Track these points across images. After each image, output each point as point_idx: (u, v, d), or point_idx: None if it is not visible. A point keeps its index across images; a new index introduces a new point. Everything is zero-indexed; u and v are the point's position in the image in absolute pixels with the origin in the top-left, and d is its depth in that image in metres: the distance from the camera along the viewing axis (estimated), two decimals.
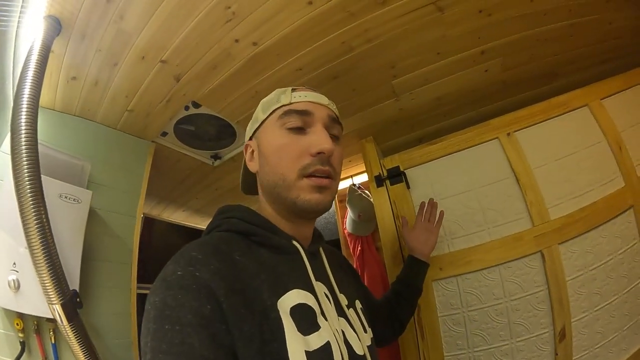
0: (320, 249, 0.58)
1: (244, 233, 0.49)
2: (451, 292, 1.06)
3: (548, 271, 1.06)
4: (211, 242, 0.45)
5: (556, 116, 1.23)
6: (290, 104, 0.53)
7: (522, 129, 1.16)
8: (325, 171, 0.50)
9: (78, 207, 0.90)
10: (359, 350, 0.49)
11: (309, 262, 0.50)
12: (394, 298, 0.81)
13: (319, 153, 0.50)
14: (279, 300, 0.42)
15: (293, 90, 0.55)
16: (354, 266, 1.35)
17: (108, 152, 1.14)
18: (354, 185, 1.53)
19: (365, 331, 0.55)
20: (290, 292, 0.44)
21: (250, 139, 0.58)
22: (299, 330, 0.41)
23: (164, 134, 1.21)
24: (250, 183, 0.63)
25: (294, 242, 0.51)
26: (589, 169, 1.19)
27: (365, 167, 1.22)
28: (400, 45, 1.00)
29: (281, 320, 0.40)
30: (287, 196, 0.50)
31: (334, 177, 0.53)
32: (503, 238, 1.04)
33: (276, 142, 0.52)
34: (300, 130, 0.51)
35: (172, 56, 0.94)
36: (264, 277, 0.43)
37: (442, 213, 0.97)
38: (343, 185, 1.66)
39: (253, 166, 0.57)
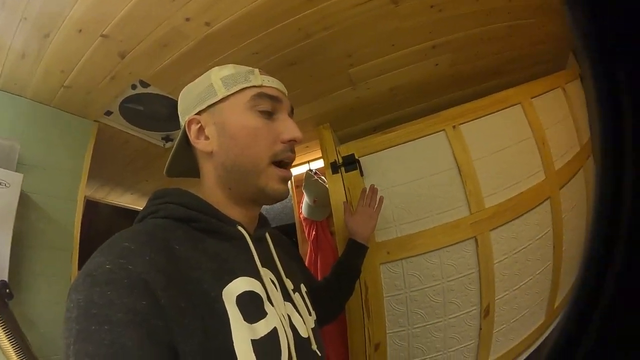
0: (267, 234, 0.57)
1: (183, 220, 0.46)
2: (396, 275, 1.15)
3: (480, 255, 1.19)
4: (146, 230, 0.42)
5: (496, 111, 1.34)
6: (262, 86, 0.51)
7: (466, 122, 1.26)
8: (293, 158, 0.53)
9: (6, 191, 0.82)
10: (303, 333, 0.50)
11: (254, 247, 0.49)
12: (335, 280, 0.83)
13: (290, 141, 0.51)
14: (224, 290, 0.41)
15: (260, 72, 0.53)
16: (309, 250, 1.40)
17: (42, 131, 1.04)
18: (310, 170, 1.57)
19: (310, 314, 0.56)
20: (236, 280, 0.43)
21: (199, 113, 0.52)
22: (245, 319, 0.41)
23: (108, 113, 1.13)
24: (184, 164, 0.57)
25: (239, 228, 0.50)
26: (519, 162, 1.33)
27: (322, 154, 1.25)
28: (357, 35, 1.01)
29: (226, 311, 0.39)
30: (255, 182, 0.50)
31: None
32: (444, 224, 1.15)
33: (249, 123, 0.50)
34: (269, 115, 0.51)
35: (114, 31, 0.87)
36: (206, 266, 0.42)
37: (381, 199, 1.02)
38: (300, 170, 1.71)
39: (206, 145, 0.51)
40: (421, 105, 1.35)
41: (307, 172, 1.53)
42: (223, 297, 0.40)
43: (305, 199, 1.56)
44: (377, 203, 1.01)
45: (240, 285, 0.43)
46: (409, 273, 1.15)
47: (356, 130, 1.38)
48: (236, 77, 0.51)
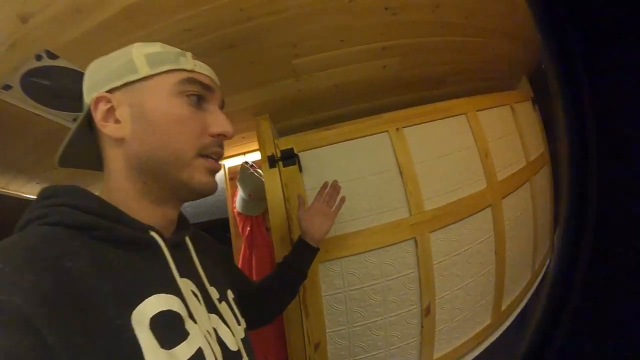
0: (186, 237, 0.50)
1: (80, 227, 0.36)
2: (335, 273, 1.12)
3: (419, 255, 1.20)
4: (27, 243, 0.32)
5: (440, 119, 1.38)
6: (193, 71, 0.46)
7: (410, 126, 1.28)
8: (221, 154, 0.48)
9: None
10: (232, 346, 0.46)
11: (171, 256, 0.42)
12: (277, 282, 0.78)
13: (219, 135, 0.47)
14: (134, 313, 0.34)
15: (193, 57, 0.47)
16: (243, 247, 1.32)
17: None
18: (246, 163, 1.50)
19: (239, 323, 0.51)
20: (149, 299, 0.36)
21: (111, 91, 0.44)
22: (162, 345, 0.34)
23: (7, 87, 0.96)
24: (83, 152, 0.48)
25: (152, 233, 0.42)
26: (460, 169, 1.38)
27: (259, 146, 1.19)
28: (305, 25, 0.97)
29: (136, 340, 0.33)
30: (177, 175, 0.43)
31: None
32: (384, 224, 1.14)
33: (174, 110, 0.43)
34: (198, 105, 0.46)
35: None
36: (110, 287, 0.34)
37: (343, 199, 0.95)
38: (235, 162, 1.64)
39: (116, 130, 0.43)
40: (365, 105, 1.34)
41: (242, 165, 1.46)
42: (132, 323, 0.33)
43: (240, 193, 1.49)
44: (337, 202, 0.94)
45: (153, 304, 0.36)
46: (348, 272, 1.12)
47: (296, 124, 1.33)
48: (164, 56, 0.45)
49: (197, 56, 0.49)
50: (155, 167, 0.43)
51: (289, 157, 1.14)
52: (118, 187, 0.44)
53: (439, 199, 1.27)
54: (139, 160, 0.43)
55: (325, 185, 0.96)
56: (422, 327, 1.26)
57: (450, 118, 1.41)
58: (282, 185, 1.12)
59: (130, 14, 0.84)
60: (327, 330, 1.14)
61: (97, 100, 0.44)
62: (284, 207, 1.11)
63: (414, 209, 1.19)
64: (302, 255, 0.82)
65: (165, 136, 0.43)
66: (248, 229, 1.38)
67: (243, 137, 1.44)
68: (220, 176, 1.54)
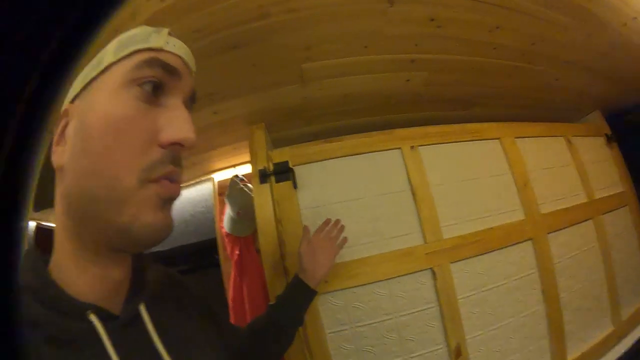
0: (142, 307, 0.36)
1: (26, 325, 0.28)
2: (337, 307, 1.02)
3: (439, 289, 1.07)
4: None
5: (466, 141, 1.27)
6: (160, 50, 0.33)
7: (427, 144, 1.18)
8: (176, 173, 0.33)
9: None
10: None
11: (120, 343, 0.31)
12: (271, 329, 0.67)
13: (173, 144, 0.32)
14: None
15: (170, 34, 0.35)
16: (232, 273, 1.26)
17: None
18: (236, 177, 1.34)
19: None
20: None
21: (73, 100, 0.34)
22: None
23: None
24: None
25: (91, 317, 0.30)
26: (489, 196, 1.24)
27: (250, 158, 1.08)
28: (326, 26, 0.87)
29: None
30: (114, 219, 0.30)
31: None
32: (393, 252, 1.04)
33: (114, 111, 0.31)
34: (154, 96, 0.32)
35: None
36: None
37: (345, 239, 0.87)
38: (225, 176, 1.45)
39: (58, 156, 0.32)
40: (376, 118, 1.26)
41: (232, 179, 1.31)
42: None
43: (228, 211, 1.34)
44: (339, 240, 0.85)
45: None
46: (352, 305, 1.03)
47: (294, 136, 1.22)
48: (136, 37, 0.33)
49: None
50: (85, 209, 0.31)
51: (283, 172, 1.03)
52: (58, 243, 0.33)
53: (461, 227, 1.13)
54: (69, 200, 0.32)
55: (327, 222, 0.87)
56: None
57: (479, 141, 1.30)
58: (273, 204, 1.01)
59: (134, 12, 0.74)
60: None
61: (60, 117, 0.33)
62: (275, 230, 0.99)
63: (430, 235, 1.08)
64: (299, 298, 0.71)
65: (96, 157, 0.30)
66: (237, 252, 1.24)
67: (234, 148, 1.29)
68: (208, 191, 1.40)
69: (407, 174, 1.12)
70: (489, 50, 1.04)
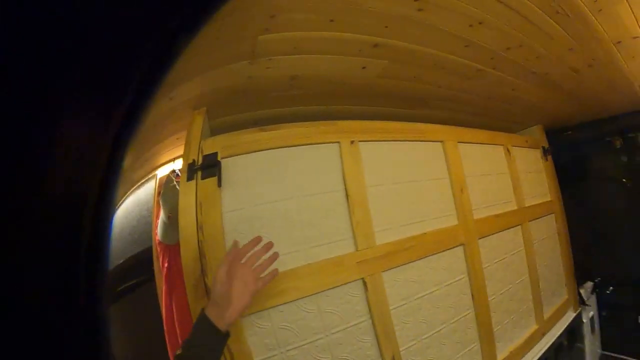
0: None
1: None
2: (264, 330, 0.89)
3: (371, 300, 1.01)
4: None
5: (410, 140, 1.24)
6: None
7: (368, 141, 1.11)
8: None
9: None
10: None
11: None
12: None
13: None
14: None
15: None
16: (163, 288, 1.09)
17: None
18: (173, 172, 1.16)
19: None
20: None
21: None
22: None
23: None
24: None
25: None
26: (425, 200, 1.22)
27: (184, 150, 0.92)
28: None
29: None
30: None
31: None
32: (322, 262, 0.94)
33: None
34: None
35: None
36: None
37: (274, 272, 0.74)
38: (165, 172, 1.24)
39: None
40: (322, 107, 1.17)
41: (168, 175, 1.15)
42: None
43: (161, 214, 1.17)
44: (266, 272, 0.72)
45: None
46: (280, 326, 0.92)
47: (237, 122, 1.06)
48: None
49: None
50: None
51: (209, 166, 0.88)
52: None
53: (394, 232, 1.09)
54: None
55: (255, 241, 0.74)
56: None
57: (421, 142, 1.27)
58: (196, 206, 0.84)
59: None
60: None
61: None
62: (197, 238, 0.84)
63: (362, 242, 1.01)
64: (207, 343, 0.60)
65: None
66: (166, 264, 1.04)
67: (177, 139, 1.10)
68: (150, 191, 1.26)
69: (343, 172, 1.04)
70: (460, 47, 0.99)
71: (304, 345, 0.93)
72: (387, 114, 1.30)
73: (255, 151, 0.96)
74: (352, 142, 1.08)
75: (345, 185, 1.03)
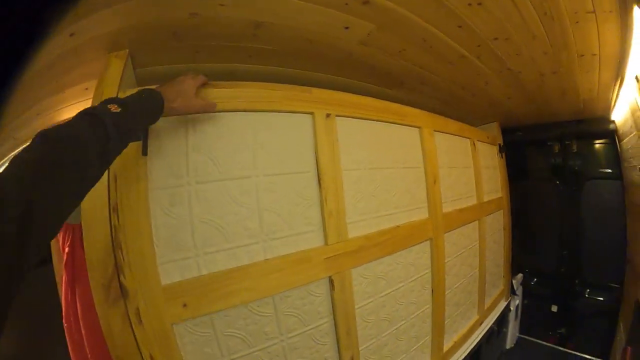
0: None
1: None
2: (205, 338, 0.71)
3: (336, 300, 0.88)
4: None
5: (389, 122, 1.10)
6: None
7: (346, 116, 0.94)
8: None
9: None
10: None
11: None
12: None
13: None
14: None
15: None
16: (64, 279, 0.81)
17: None
18: None
19: None
20: None
21: None
22: None
23: None
24: None
25: None
26: (400, 190, 1.10)
27: (93, 103, 0.66)
28: None
29: None
30: None
31: None
32: (284, 257, 0.78)
33: None
34: None
35: None
36: None
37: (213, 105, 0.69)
38: None
39: None
40: (289, 70, 0.97)
41: None
42: None
43: None
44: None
45: None
46: (225, 333, 0.74)
47: (171, 73, 0.78)
48: None
49: None
50: None
51: None
52: None
53: (367, 224, 0.96)
54: None
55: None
56: None
57: (400, 126, 1.15)
58: (108, 180, 0.62)
59: None
60: None
61: None
62: (108, 223, 0.62)
63: (333, 235, 0.86)
64: (150, 105, 0.56)
65: None
66: (67, 248, 0.79)
67: (85, 89, 0.83)
68: None
69: (315, 150, 0.86)
70: (453, 26, 0.89)
71: (253, 352, 0.78)
72: (362, 90, 1.14)
73: (199, 112, 0.72)
74: (327, 115, 0.90)
75: (317, 166, 0.86)
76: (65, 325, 0.88)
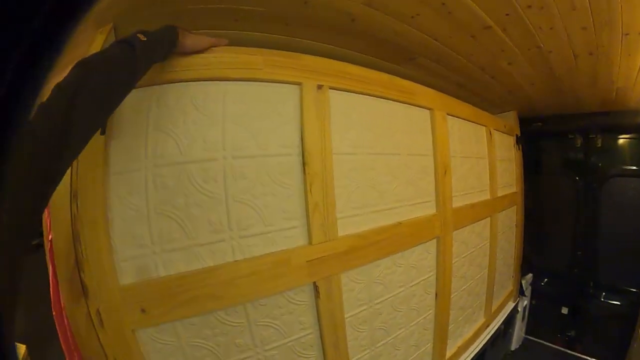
0: None
1: None
2: (170, 347, 0.61)
3: (322, 309, 0.75)
4: None
5: (394, 100, 0.94)
6: None
7: (341, 89, 0.79)
8: None
9: None
10: None
11: None
12: None
13: None
14: None
15: None
16: (50, 266, 0.71)
17: None
18: None
19: None
20: None
21: None
22: None
23: None
24: None
25: None
26: (404, 181, 0.95)
27: None
28: None
29: None
30: None
31: None
32: (257, 258, 0.65)
33: None
34: None
35: None
36: None
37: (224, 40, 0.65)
38: None
39: None
40: (276, 37, 0.84)
41: None
42: None
43: None
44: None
45: None
46: (191, 343, 0.63)
47: None
48: None
49: None
50: None
51: None
52: None
53: (361, 220, 0.82)
54: None
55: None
56: None
57: (408, 106, 0.99)
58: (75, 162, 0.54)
59: None
60: None
61: None
62: (69, 212, 0.54)
63: (318, 233, 0.73)
64: (166, 39, 0.56)
65: None
66: (50, 235, 0.61)
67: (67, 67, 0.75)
68: None
69: (302, 127, 0.71)
70: None
71: None
72: (365, 63, 0.98)
73: (168, 82, 0.61)
74: (319, 86, 0.75)
75: (302, 147, 0.71)
76: (54, 313, 0.81)
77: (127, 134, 0.59)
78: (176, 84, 0.61)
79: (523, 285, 1.95)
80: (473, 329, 1.44)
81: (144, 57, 0.51)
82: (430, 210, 1.03)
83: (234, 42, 0.79)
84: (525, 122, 1.99)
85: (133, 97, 0.55)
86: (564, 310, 2.05)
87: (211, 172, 0.61)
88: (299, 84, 0.71)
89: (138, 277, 0.58)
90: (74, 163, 0.55)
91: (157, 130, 0.61)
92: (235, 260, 0.63)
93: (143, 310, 0.58)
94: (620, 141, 1.87)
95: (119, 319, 0.57)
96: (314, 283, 0.72)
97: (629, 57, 1.10)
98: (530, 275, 2.07)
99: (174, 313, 0.60)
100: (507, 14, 0.87)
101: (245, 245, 0.64)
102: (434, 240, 1.05)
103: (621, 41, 1.00)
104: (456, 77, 1.28)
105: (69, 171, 0.54)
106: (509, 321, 1.82)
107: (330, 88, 0.75)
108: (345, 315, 0.81)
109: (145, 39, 0.52)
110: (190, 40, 0.59)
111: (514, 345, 2.02)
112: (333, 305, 0.77)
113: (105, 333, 0.57)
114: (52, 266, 0.73)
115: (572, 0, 0.81)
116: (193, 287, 0.60)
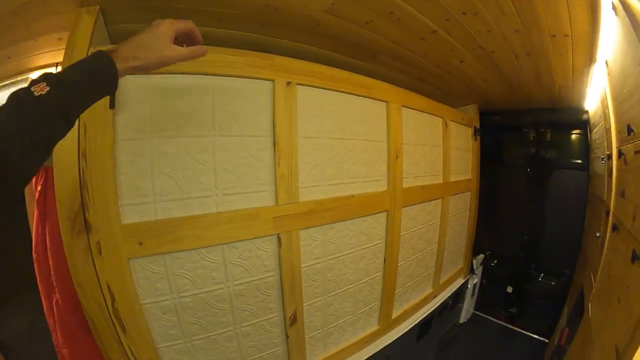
0: None
1: None
2: (156, 275, 0.81)
3: (283, 257, 0.97)
4: None
5: (354, 94, 1.14)
6: None
7: (307, 85, 0.99)
8: None
9: None
10: None
11: None
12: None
13: None
14: None
15: None
16: (35, 215, 0.87)
17: None
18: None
19: None
20: None
21: None
22: None
23: None
24: None
25: None
26: (358, 161, 1.17)
27: (64, 56, 0.70)
28: None
29: None
30: None
31: None
32: (234, 211, 0.86)
33: None
34: None
35: None
36: None
37: (203, 50, 0.57)
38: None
39: None
40: (256, 37, 1.00)
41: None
42: None
43: None
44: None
45: None
46: (176, 273, 0.83)
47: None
48: None
49: None
50: None
51: None
52: None
53: (320, 190, 1.04)
54: None
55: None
56: (288, 336, 1.05)
57: (365, 99, 1.19)
58: (79, 128, 0.70)
59: None
60: (157, 346, 0.84)
61: None
62: (76, 166, 0.70)
63: (283, 196, 0.94)
64: (95, 68, 0.46)
65: None
66: (39, 187, 0.84)
67: (59, 39, 0.87)
68: None
69: (273, 115, 0.92)
70: (435, 4, 0.90)
71: (200, 293, 0.88)
72: (333, 60, 1.16)
73: (168, 73, 0.78)
74: (288, 83, 0.94)
75: (274, 130, 0.92)
76: (34, 256, 0.96)
77: (134, 108, 0.76)
78: (177, 75, 0.79)
79: (474, 264, 2.22)
80: (420, 297, 1.69)
81: (44, 120, 0.40)
82: (381, 187, 1.25)
83: (218, 40, 0.96)
84: (486, 114, 2.17)
85: (139, 83, 0.74)
86: (509, 289, 2.33)
87: (206, 143, 0.81)
88: (272, 80, 0.90)
89: (139, 218, 0.76)
90: (83, 129, 0.71)
91: (158, 110, 0.78)
92: (218, 212, 0.83)
93: (140, 244, 0.77)
94: (570, 137, 2.08)
95: (117, 250, 0.74)
96: (278, 235, 0.93)
97: (560, 57, 1.24)
98: (481, 256, 2.34)
99: (165, 247, 0.79)
100: (447, 20, 1.00)
101: (226, 201, 0.84)
102: (384, 214, 1.27)
103: (550, 42, 1.13)
104: (416, 72, 1.43)
105: (76, 136, 0.70)
106: (458, 295, 2.09)
107: (297, 84, 0.95)
108: (302, 265, 1.03)
109: (46, 90, 0.40)
110: (143, 59, 0.50)
111: (463, 319, 2.30)
112: (292, 254, 0.98)
113: (102, 260, 0.73)
114: (39, 212, 0.87)
115: (500, 6, 0.92)
116: (183, 228, 0.80)
